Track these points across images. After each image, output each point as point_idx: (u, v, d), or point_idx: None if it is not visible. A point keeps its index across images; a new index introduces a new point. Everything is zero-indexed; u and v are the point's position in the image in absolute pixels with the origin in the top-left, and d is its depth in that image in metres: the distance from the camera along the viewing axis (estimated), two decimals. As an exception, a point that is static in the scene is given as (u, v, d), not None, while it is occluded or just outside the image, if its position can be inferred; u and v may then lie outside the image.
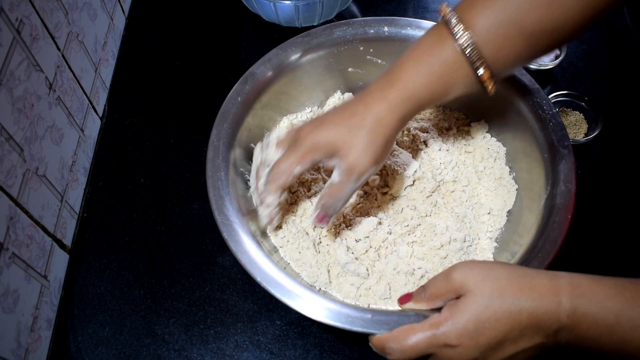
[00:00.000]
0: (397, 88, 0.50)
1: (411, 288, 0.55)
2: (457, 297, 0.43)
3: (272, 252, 0.55)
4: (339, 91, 0.69)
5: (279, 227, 0.58)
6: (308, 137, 0.51)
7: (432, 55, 0.49)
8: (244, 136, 0.60)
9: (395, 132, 0.51)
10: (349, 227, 0.58)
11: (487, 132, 0.64)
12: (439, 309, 0.44)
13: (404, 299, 0.47)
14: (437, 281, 0.45)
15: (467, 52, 0.47)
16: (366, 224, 0.57)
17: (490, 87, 0.49)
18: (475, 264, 0.44)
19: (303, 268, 0.56)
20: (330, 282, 0.55)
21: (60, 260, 0.61)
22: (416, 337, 0.43)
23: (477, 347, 0.41)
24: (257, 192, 0.56)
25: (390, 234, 0.57)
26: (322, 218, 0.52)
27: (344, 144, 0.50)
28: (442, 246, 0.56)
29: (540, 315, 0.40)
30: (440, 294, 0.44)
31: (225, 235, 0.52)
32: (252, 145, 0.61)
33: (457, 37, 0.47)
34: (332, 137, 0.50)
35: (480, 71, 0.48)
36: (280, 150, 0.54)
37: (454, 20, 0.47)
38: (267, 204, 0.54)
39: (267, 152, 0.56)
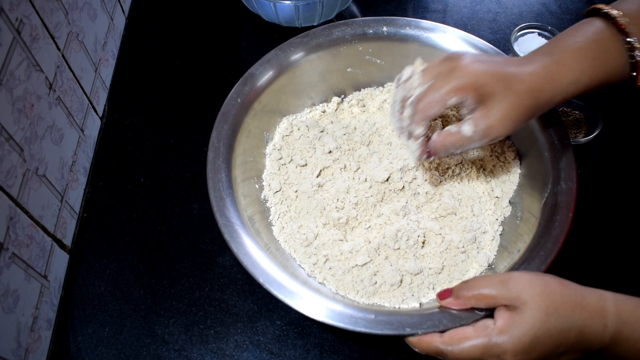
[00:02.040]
0: (565, 71, 0.49)
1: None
2: (507, 306, 0.44)
3: (270, 244, 0.56)
4: (335, 97, 0.69)
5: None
6: (469, 68, 0.48)
7: (598, 44, 0.49)
8: (244, 137, 0.61)
9: (545, 111, 0.51)
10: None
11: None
12: (472, 312, 0.46)
13: (443, 294, 0.48)
14: (490, 284, 0.45)
15: (630, 43, 0.48)
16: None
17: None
18: (532, 277, 0.44)
19: (302, 257, 0.57)
20: (329, 268, 0.56)
21: (60, 260, 0.61)
22: (472, 342, 0.43)
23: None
24: (401, 123, 0.52)
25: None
26: (430, 155, 0.52)
27: (495, 99, 0.48)
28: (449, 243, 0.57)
29: (587, 334, 0.42)
30: (490, 297, 0.44)
31: (226, 236, 0.52)
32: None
33: (624, 30, 0.49)
34: (490, 85, 0.48)
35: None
36: (429, 80, 0.50)
37: (615, 12, 0.49)
38: (416, 136, 0.51)
39: (410, 82, 0.52)
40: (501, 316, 0.44)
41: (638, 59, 0.49)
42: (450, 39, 0.65)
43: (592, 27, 0.51)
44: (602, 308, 0.42)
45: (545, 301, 0.42)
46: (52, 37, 0.59)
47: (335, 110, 0.69)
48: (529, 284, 0.43)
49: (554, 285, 0.43)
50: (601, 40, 0.50)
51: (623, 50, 0.49)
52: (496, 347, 0.42)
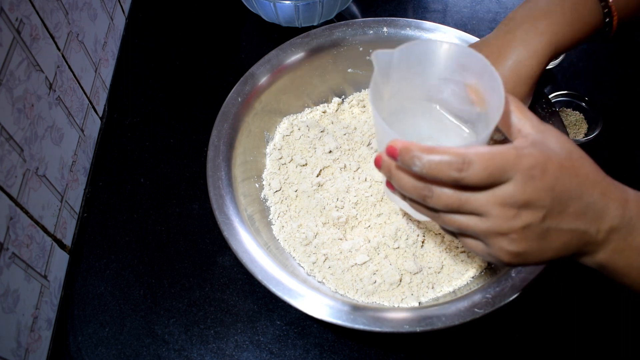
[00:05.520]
0: (542, 33, 0.49)
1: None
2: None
3: (269, 243, 0.56)
4: (335, 97, 0.69)
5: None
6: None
7: (575, 2, 0.49)
8: (244, 136, 0.61)
9: (537, 78, 0.50)
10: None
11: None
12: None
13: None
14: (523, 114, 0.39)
15: None
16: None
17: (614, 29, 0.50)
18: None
19: (301, 256, 0.57)
20: (329, 267, 0.56)
21: (60, 260, 0.61)
22: (497, 149, 0.35)
23: (552, 191, 0.35)
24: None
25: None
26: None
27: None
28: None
29: (610, 201, 0.37)
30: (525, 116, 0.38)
31: (226, 234, 0.52)
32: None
33: None
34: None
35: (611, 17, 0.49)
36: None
37: None
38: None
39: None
40: (531, 136, 0.37)
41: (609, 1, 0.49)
42: (450, 39, 0.65)
43: None
44: (624, 191, 0.38)
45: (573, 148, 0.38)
46: (52, 37, 0.59)
47: (336, 110, 0.69)
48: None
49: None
50: (587, 11, 0.49)
51: (602, 18, 0.49)
52: (527, 157, 0.35)
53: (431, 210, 0.38)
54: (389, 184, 0.41)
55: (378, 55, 0.41)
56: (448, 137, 0.46)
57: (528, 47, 0.49)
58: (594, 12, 0.50)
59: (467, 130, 0.46)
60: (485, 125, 0.41)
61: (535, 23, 0.50)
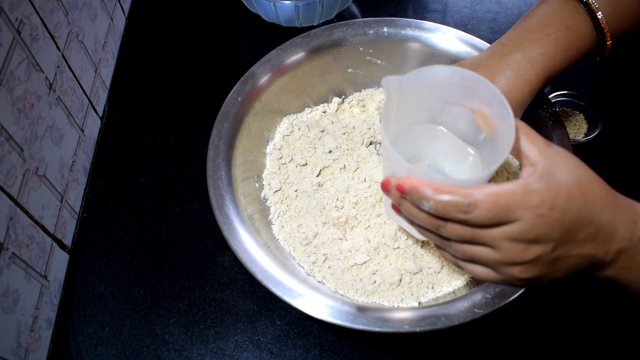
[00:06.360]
0: (534, 63, 0.50)
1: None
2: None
3: (269, 243, 0.56)
4: (335, 97, 0.69)
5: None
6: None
7: (568, 28, 0.50)
8: (244, 136, 0.61)
9: (527, 103, 0.52)
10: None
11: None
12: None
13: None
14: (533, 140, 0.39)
15: (598, 18, 0.49)
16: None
17: (608, 50, 0.51)
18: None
19: (301, 256, 0.57)
20: (329, 267, 0.56)
21: (60, 260, 0.61)
22: (503, 189, 0.36)
23: (561, 225, 0.36)
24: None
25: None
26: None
27: None
28: None
29: (619, 224, 0.38)
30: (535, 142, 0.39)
31: (226, 234, 0.52)
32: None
33: (590, 6, 0.49)
34: None
35: (608, 41, 0.50)
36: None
37: None
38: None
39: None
40: (537, 170, 0.38)
41: (599, 17, 0.49)
42: (450, 39, 0.65)
43: (573, 23, 0.51)
44: (634, 211, 0.39)
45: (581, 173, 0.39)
46: (52, 37, 0.59)
47: (336, 110, 0.69)
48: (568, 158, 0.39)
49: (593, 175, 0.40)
50: (560, 12, 0.50)
51: (584, 15, 0.50)
52: (535, 193, 0.36)
53: (442, 238, 0.40)
54: (395, 207, 0.42)
55: (388, 81, 0.42)
56: (453, 158, 0.47)
57: (521, 77, 0.50)
58: (587, 36, 0.51)
59: (472, 152, 0.46)
60: (492, 151, 0.42)
61: (528, 52, 0.50)
